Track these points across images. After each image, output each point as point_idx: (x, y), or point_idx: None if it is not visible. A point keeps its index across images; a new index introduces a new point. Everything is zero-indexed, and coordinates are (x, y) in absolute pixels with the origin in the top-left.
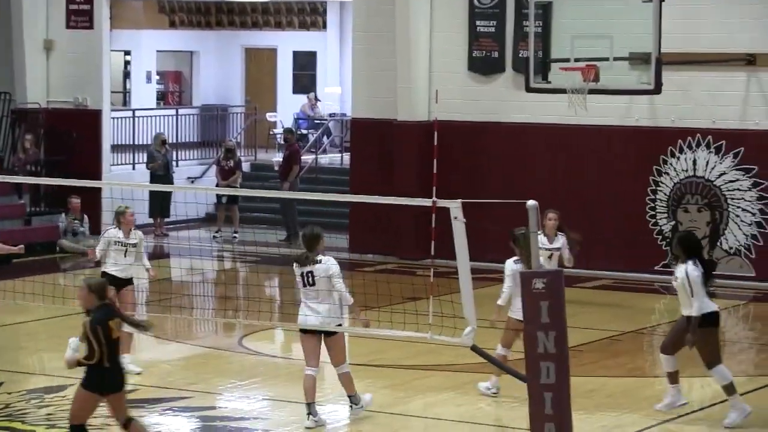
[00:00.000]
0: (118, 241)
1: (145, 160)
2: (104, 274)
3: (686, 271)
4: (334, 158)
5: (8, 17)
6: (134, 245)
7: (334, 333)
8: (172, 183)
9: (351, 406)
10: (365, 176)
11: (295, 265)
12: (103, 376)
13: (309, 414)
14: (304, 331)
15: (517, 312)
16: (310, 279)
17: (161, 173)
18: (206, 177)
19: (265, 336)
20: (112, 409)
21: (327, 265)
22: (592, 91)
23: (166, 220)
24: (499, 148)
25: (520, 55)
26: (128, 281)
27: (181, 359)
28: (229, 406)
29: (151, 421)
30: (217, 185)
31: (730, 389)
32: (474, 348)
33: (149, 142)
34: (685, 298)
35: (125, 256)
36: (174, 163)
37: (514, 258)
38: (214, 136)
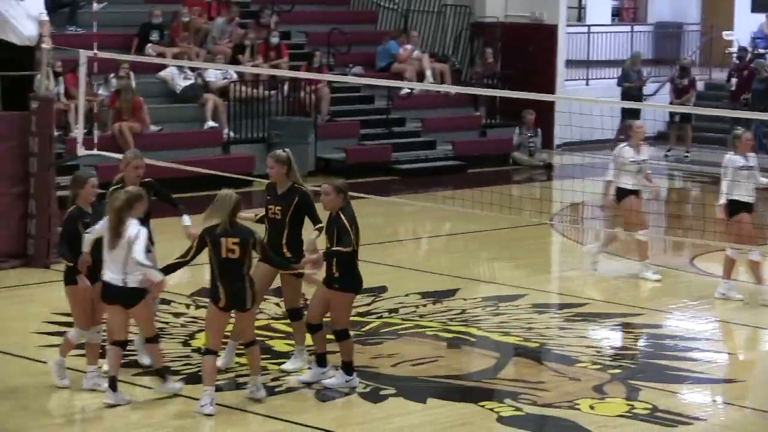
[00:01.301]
0: (633, 160)
1: (619, 75)
2: (620, 188)
3: None
4: None
5: None
6: (644, 161)
7: None
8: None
9: None
10: None
11: None
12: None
13: None
14: None
15: None
16: None
17: (635, 93)
18: (660, 95)
19: (716, 257)
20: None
21: None
22: None
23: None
24: None
25: None
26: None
27: (630, 276)
28: (679, 325)
29: (599, 335)
30: (670, 103)
31: None
32: None
33: (603, 58)
34: None
35: (637, 173)
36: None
37: None
38: (668, 53)
